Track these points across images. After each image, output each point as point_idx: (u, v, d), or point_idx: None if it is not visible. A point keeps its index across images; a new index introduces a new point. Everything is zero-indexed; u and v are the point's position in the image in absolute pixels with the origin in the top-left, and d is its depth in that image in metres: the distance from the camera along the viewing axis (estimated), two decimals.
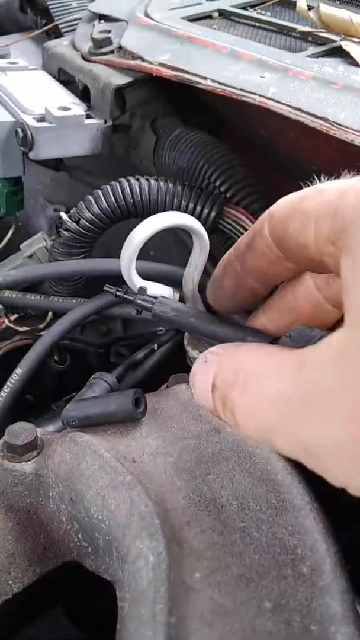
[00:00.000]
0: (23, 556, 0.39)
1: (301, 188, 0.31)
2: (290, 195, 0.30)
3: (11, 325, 0.65)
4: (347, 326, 0.23)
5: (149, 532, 0.32)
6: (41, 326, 0.65)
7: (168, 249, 0.72)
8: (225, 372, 0.29)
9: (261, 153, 0.65)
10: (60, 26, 0.83)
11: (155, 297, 0.44)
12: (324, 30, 0.63)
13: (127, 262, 0.46)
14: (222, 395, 0.28)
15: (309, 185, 0.30)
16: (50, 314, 0.65)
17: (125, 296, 0.47)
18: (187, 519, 0.33)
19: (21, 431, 0.43)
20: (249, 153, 0.62)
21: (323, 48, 0.59)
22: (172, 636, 0.27)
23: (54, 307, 0.60)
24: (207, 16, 0.71)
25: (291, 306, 0.35)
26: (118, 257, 0.68)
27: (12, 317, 0.66)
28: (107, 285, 0.49)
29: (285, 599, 0.29)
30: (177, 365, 0.62)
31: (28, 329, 0.65)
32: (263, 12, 0.74)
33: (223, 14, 0.71)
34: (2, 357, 0.67)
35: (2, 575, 0.38)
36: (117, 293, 0.48)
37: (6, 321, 0.65)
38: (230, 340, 0.40)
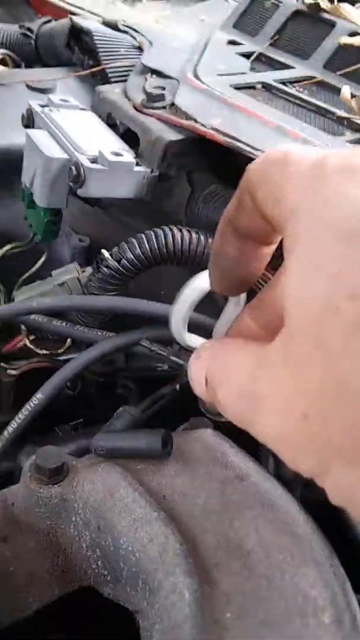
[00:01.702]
0: (42, 576, 0.41)
1: None
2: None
3: (31, 346, 0.67)
4: (286, 324, 0.23)
5: (183, 569, 0.34)
6: (60, 351, 0.67)
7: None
8: (211, 369, 0.30)
9: None
10: (108, 70, 0.88)
11: (182, 362, 0.48)
12: (359, 117, 0.69)
13: (182, 316, 0.48)
14: (212, 389, 0.29)
15: None
16: (69, 340, 0.67)
17: (159, 352, 0.51)
18: (215, 560, 0.36)
19: (51, 455, 0.45)
20: None
21: (359, 135, 0.65)
22: None
23: (79, 336, 0.63)
24: (252, 87, 0.76)
25: (272, 303, 0.33)
26: (137, 295, 0.70)
27: (31, 338, 0.68)
28: (144, 341, 0.52)
29: None
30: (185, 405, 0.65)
31: (47, 352, 0.67)
32: (301, 89, 0.80)
33: (266, 87, 0.77)
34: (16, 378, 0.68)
35: (22, 592, 0.40)
36: (152, 348, 0.52)
37: (26, 341, 0.67)
38: None
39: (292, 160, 0.26)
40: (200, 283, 0.49)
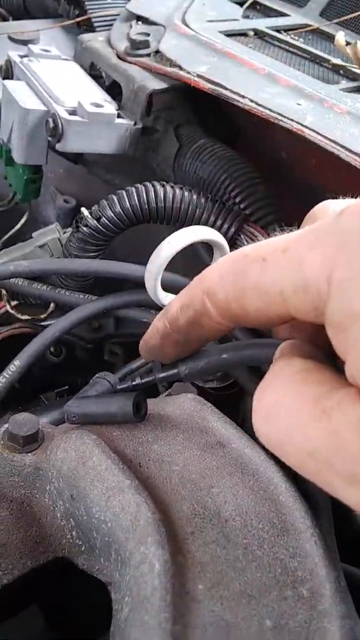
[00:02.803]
0: (14, 548, 0.39)
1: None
2: (221, 265, 0.28)
3: (12, 311, 0.64)
4: None
5: (154, 539, 0.32)
6: (42, 316, 0.65)
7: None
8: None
9: (276, 174, 0.67)
10: (93, 20, 0.83)
11: (175, 365, 0.39)
12: (356, 66, 0.64)
13: (154, 274, 0.46)
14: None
15: None
16: (52, 305, 0.64)
17: (144, 382, 0.41)
18: (191, 529, 0.34)
19: (24, 422, 0.43)
20: (264, 172, 0.63)
21: (355, 84, 0.61)
22: None
23: (60, 299, 0.60)
24: (243, 34, 0.72)
25: None
26: (120, 255, 0.68)
27: (13, 303, 0.65)
28: (122, 385, 0.43)
29: (285, 619, 0.29)
30: None
31: (29, 317, 0.64)
32: (296, 37, 0.75)
33: (258, 34, 0.72)
34: None
35: None
36: (133, 384, 0.43)
37: (7, 307, 0.64)
38: (262, 360, 0.36)
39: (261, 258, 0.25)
40: (173, 240, 0.46)
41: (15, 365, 0.56)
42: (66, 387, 0.66)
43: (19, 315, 0.64)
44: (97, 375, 0.52)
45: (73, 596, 0.45)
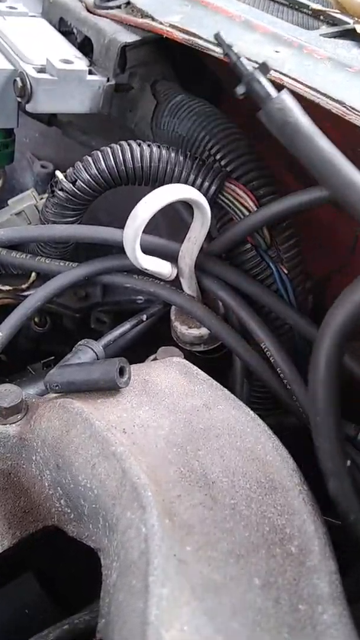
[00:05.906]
0: (3, 519, 0.39)
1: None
2: None
3: None
4: None
5: (140, 503, 0.31)
6: (24, 286, 0.63)
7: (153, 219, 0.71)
8: None
9: (260, 129, 0.64)
10: None
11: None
12: (336, 11, 0.62)
13: (132, 237, 0.44)
14: None
15: None
16: (33, 274, 0.63)
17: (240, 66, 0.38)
18: (178, 492, 0.33)
19: (7, 393, 0.42)
20: (247, 127, 0.61)
21: (336, 29, 0.58)
22: (164, 608, 0.27)
23: (41, 268, 0.59)
24: None
25: None
26: (104, 222, 0.66)
27: None
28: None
29: (274, 576, 0.29)
30: (159, 337, 0.62)
31: (10, 288, 0.63)
32: None
33: None
34: None
35: None
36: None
37: None
38: None
39: None
40: (150, 201, 0.45)
41: None
42: (52, 357, 0.65)
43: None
44: (79, 343, 0.51)
45: (65, 563, 0.45)
